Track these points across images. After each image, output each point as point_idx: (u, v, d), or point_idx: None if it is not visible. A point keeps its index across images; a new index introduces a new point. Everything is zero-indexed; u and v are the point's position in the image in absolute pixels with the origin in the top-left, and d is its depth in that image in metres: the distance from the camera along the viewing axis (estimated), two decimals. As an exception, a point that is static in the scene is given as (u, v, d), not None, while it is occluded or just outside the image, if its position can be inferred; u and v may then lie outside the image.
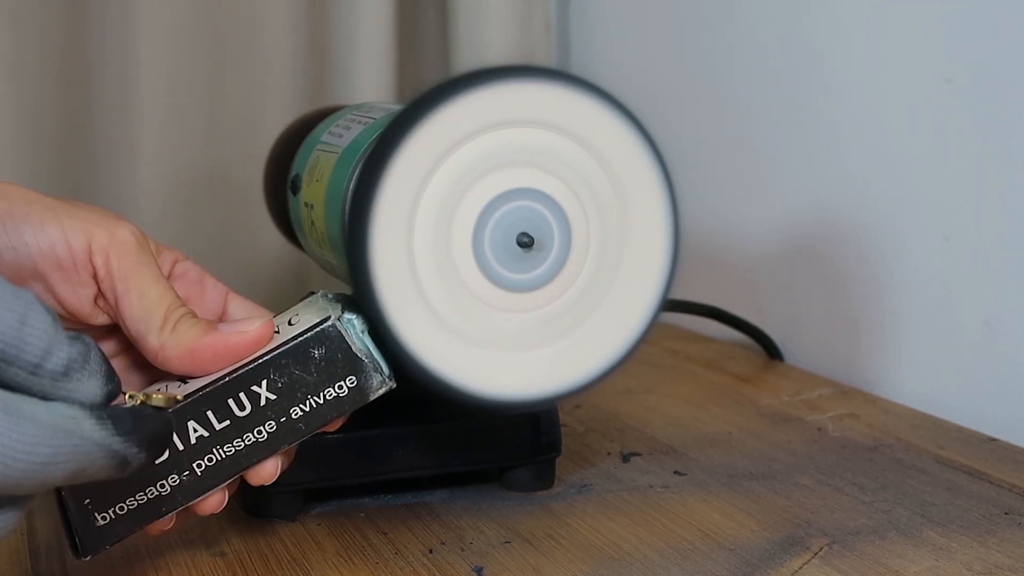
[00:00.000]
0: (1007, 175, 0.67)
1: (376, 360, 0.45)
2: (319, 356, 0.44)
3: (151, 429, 0.40)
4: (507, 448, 0.55)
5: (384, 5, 0.96)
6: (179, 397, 0.44)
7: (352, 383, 0.45)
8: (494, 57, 0.99)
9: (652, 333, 0.47)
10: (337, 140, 0.55)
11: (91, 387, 0.39)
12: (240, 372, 0.44)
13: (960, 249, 0.70)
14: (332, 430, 0.46)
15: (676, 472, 0.58)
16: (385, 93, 0.96)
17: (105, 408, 0.39)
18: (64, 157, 0.90)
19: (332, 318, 0.45)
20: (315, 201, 0.54)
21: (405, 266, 0.44)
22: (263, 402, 0.44)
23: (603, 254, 0.46)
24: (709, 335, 0.87)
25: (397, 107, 0.54)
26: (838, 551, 0.49)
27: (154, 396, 0.42)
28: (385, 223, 0.43)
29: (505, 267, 0.45)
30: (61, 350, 0.39)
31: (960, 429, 0.65)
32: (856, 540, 0.50)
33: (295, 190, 0.57)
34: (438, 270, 0.44)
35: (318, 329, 0.44)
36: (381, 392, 0.45)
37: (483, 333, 0.45)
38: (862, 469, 0.59)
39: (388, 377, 0.45)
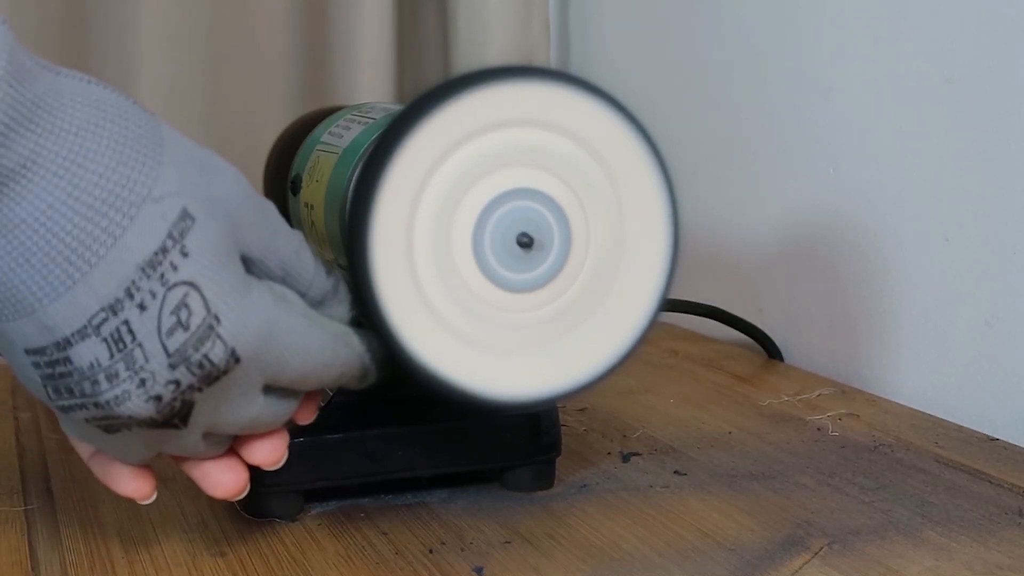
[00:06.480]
0: (1007, 175, 0.66)
1: None
2: None
3: (385, 353, 0.46)
4: (507, 448, 0.55)
5: (384, 5, 0.96)
6: None
7: None
8: (494, 57, 0.99)
9: (652, 333, 0.47)
10: (337, 140, 0.55)
11: (340, 313, 0.46)
12: None
13: (960, 249, 0.70)
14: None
15: (676, 472, 0.58)
16: (385, 93, 0.96)
17: (354, 328, 0.46)
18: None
19: None
20: (315, 201, 0.54)
21: (405, 266, 0.44)
22: None
23: (603, 254, 0.46)
24: (709, 335, 0.87)
25: (397, 107, 0.54)
26: (838, 551, 0.49)
27: None
28: (385, 223, 0.43)
29: (505, 267, 0.45)
30: (320, 282, 0.45)
31: (960, 429, 0.65)
32: (856, 540, 0.50)
33: (295, 190, 0.57)
34: (438, 270, 0.44)
35: None
36: None
37: (483, 333, 0.45)
38: (862, 469, 0.59)
39: None
